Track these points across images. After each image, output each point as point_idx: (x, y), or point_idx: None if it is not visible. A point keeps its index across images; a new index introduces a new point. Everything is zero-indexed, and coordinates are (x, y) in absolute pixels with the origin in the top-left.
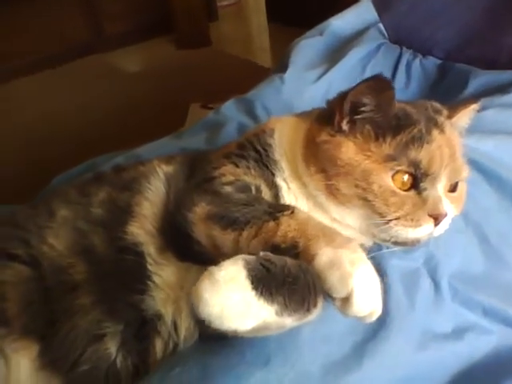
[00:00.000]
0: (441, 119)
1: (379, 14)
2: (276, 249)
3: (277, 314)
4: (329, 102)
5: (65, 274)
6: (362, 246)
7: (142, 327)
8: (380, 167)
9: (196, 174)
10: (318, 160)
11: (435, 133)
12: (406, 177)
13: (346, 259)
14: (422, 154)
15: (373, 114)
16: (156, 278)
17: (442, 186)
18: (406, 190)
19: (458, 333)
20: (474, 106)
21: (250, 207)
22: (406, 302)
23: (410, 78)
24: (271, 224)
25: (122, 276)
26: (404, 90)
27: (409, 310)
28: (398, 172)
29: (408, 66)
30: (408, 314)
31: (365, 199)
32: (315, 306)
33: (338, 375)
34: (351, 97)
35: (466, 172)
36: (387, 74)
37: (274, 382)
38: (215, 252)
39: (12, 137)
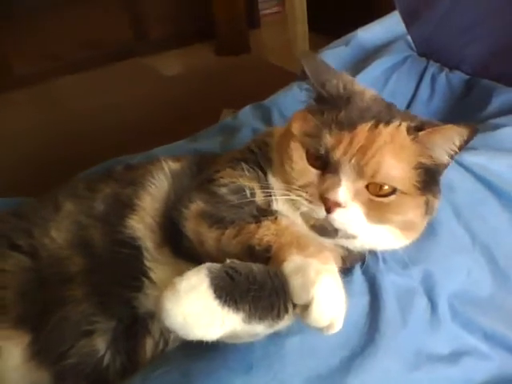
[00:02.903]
0: (397, 122)
1: (407, 26)
2: (251, 250)
3: (244, 321)
4: None
5: (61, 265)
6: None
7: (133, 325)
8: (297, 139)
9: (201, 174)
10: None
11: (370, 127)
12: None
13: (313, 268)
14: (332, 139)
15: (312, 88)
16: (152, 274)
17: (347, 176)
18: (316, 168)
19: (455, 356)
20: (451, 127)
21: (239, 209)
22: (399, 319)
23: (434, 92)
24: (252, 226)
25: (117, 271)
26: (427, 103)
27: (401, 328)
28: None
29: (433, 80)
30: (399, 332)
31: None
32: (287, 311)
33: None
34: None
35: (389, 180)
36: (410, 87)
37: None
38: (201, 249)
39: (48, 132)
